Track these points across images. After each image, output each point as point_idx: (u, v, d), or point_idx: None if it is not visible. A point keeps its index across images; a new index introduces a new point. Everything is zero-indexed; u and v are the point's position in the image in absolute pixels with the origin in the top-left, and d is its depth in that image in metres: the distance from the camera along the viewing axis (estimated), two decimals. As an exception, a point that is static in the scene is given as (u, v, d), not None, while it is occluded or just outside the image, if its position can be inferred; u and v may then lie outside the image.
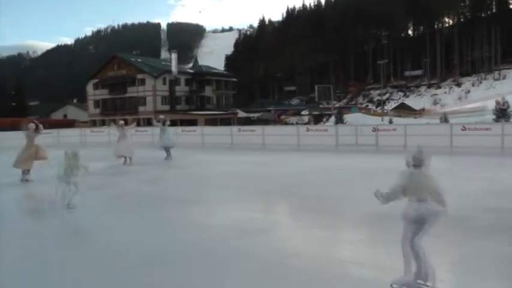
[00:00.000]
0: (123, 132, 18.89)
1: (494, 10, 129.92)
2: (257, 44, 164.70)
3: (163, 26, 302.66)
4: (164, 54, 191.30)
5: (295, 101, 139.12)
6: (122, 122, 20.21)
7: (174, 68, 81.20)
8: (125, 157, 18.46)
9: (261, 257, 6.29)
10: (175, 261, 6.23)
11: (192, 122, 64.43)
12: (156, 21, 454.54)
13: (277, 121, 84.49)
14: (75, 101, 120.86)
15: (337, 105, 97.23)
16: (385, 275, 5.54)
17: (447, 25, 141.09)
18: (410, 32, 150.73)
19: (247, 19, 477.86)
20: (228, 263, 6.07)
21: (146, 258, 6.41)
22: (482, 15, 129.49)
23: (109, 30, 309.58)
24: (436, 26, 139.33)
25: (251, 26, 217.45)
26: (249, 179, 14.16)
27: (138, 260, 6.32)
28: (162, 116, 20.95)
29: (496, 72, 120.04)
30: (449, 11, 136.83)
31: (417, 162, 5.27)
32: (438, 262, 6.14)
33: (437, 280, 5.07)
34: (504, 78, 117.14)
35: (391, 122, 57.06)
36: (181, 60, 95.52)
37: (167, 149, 20.04)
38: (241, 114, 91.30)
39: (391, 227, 7.91)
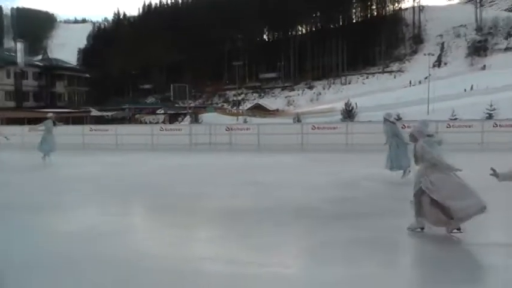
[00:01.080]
0: None
1: (341, 23, 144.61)
2: (112, 39, 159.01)
3: (7, 10, 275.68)
4: (8, 43, 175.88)
5: (150, 100, 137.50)
6: None
7: (20, 59, 75.29)
8: None
9: (114, 260, 6.01)
10: (25, 270, 5.69)
11: (41, 121, 60.23)
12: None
13: (132, 120, 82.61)
14: None
15: (192, 105, 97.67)
16: (239, 268, 5.65)
17: (301, 33, 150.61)
18: (265, 36, 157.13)
19: (101, 11, 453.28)
20: (80, 268, 5.72)
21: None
22: (331, 26, 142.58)
23: None
24: (290, 33, 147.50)
25: (106, 19, 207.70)
26: (102, 181, 13.43)
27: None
28: (51, 114, 18.88)
29: (343, 78, 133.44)
30: (303, 21, 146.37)
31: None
32: (286, 251, 6.45)
33: (284, 267, 5.41)
34: (350, 83, 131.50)
35: (245, 121, 58.64)
36: (29, 51, 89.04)
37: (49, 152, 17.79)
38: (95, 112, 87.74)
39: (243, 221, 8.12)
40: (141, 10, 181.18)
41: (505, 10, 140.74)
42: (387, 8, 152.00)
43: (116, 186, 12.43)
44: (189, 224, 8.14)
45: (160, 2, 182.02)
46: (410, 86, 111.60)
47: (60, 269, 5.77)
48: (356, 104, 64.93)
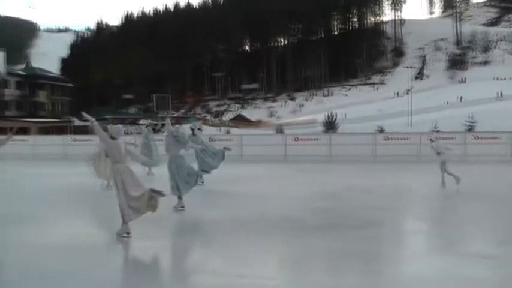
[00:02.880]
0: None
1: (322, 35, 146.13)
2: (94, 48, 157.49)
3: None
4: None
5: (133, 110, 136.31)
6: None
7: (1, 68, 74.13)
8: None
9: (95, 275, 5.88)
10: (13, 285, 5.61)
11: (24, 130, 59.20)
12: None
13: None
14: None
15: (175, 115, 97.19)
16: (223, 279, 5.65)
17: (281, 44, 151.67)
18: (247, 47, 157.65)
19: (83, 20, 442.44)
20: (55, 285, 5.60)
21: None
22: (312, 38, 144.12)
23: None
24: (270, 44, 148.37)
25: (88, 29, 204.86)
26: (82, 192, 13.02)
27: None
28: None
29: (325, 89, 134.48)
30: (283, 32, 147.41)
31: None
32: (269, 261, 6.50)
33: (267, 278, 5.53)
34: (332, 94, 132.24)
35: (228, 132, 58.51)
36: (10, 60, 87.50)
37: None
38: (77, 122, 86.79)
39: (225, 232, 8.08)
40: (123, 20, 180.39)
41: (482, 25, 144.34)
42: (367, 21, 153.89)
43: (95, 198, 12.21)
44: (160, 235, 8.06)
45: (142, 13, 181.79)
46: (397, 97, 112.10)
47: (34, 285, 5.58)
48: (345, 114, 65.11)
